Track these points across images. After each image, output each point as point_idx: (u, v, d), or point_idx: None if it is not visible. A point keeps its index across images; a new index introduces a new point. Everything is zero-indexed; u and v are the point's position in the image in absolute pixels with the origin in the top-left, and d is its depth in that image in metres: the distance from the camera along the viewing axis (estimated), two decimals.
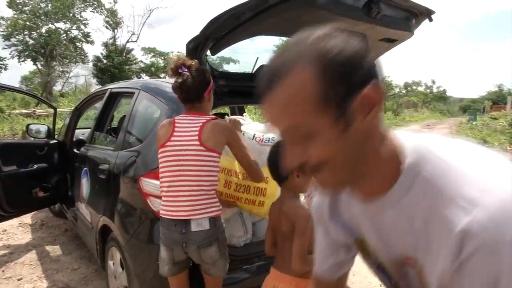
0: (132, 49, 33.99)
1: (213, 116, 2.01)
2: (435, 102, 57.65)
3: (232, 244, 2.34)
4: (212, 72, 2.30)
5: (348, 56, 0.62)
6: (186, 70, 1.91)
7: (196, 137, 1.89)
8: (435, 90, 58.94)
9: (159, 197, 2.02)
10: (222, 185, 2.31)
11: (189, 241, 1.87)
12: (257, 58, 2.68)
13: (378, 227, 0.76)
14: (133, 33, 33.17)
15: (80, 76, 34.04)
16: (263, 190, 2.28)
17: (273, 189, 2.24)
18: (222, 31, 1.89)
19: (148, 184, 2.20)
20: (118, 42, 33.24)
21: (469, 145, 0.69)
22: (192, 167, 1.88)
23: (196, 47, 1.98)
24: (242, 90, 2.57)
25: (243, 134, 2.38)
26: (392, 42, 2.28)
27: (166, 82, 2.84)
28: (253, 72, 2.55)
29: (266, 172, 2.01)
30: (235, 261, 2.22)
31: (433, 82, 59.64)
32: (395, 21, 2.00)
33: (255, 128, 2.53)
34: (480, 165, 0.64)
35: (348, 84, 0.62)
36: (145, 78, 31.42)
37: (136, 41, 33.48)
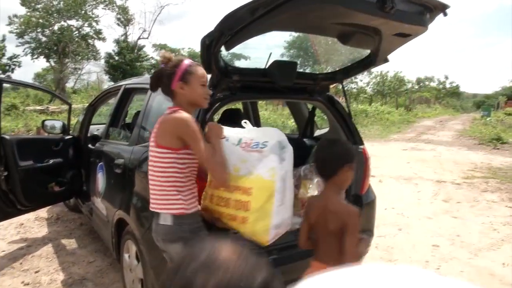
0: (144, 46, 34.17)
1: (172, 110, 1.92)
2: (448, 98, 56.93)
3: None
4: (226, 68, 2.32)
5: None
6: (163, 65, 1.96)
7: (154, 134, 1.93)
8: (448, 85, 58.20)
9: None
10: (208, 199, 2.10)
11: (155, 233, 1.95)
12: (270, 53, 2.70)
13: None
14: (144, 30, 33.35)
15: (92, 73, 34.35)
16: (245, 203, 1.92)
17: (259, 203, 1.89)
18: (236, 26, 1.90)
19: None
20: (130, 39, 33.44)
21: None
22: (150, 163, 1.94)
23: (211, 42, 2.00)
24: (255, 86, 2.60)
25: (227, 139, 2.09)
26: (406, 36, 2.27)
27: None
28: (266, 67, 2.56)
29: (251, 182, 1.91)
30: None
31: (446, 77, 58.87)
32: (409, 16, 1.99)
33: (244, 132, 2.16)
34: None
35: None
36: None
37: (147, 38, 33.67)
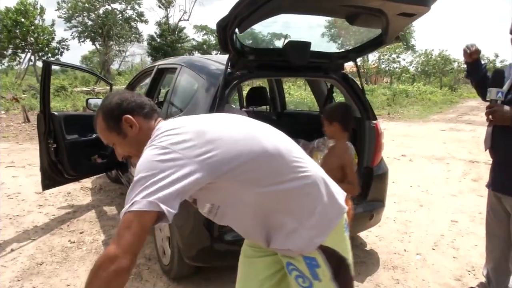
0: (184, 27, 34.84)
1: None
2: None
3: None
4: (242, 48, 2.54)
5: (111, 106, 1.38)
6: None
7: None
8: (498, 64, 55.11)
9: None
10: None
11: None
12: (286, 34, 2.89)
13: None
14: (185, 12, 33.92)
15: (136, 55, 35.48)
16: None
17: None
18: (247, 10, 2.11)
19: None
20: (171, 21, 34.16)
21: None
22: None
23: (226, 25, 2.23)
24: (272, 64, 2.81)
25: None
26: (411, 16, 2.39)
27: (206, 59, 3.13)
28: (282, 47, 2.75)
29: None
30: None
31: (496, 55, 55.60)
32: None
33: None
34: None
35: (113, 118, 1.36)
36: (196, 54, 32.11)
37: (187, 20, 34.42)
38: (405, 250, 3.41)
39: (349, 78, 3.08)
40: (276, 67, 2.83)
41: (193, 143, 1.17)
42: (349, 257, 1.44)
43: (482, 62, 2.51)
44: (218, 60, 2.89)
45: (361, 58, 32.92)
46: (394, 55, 33.56)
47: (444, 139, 9.54)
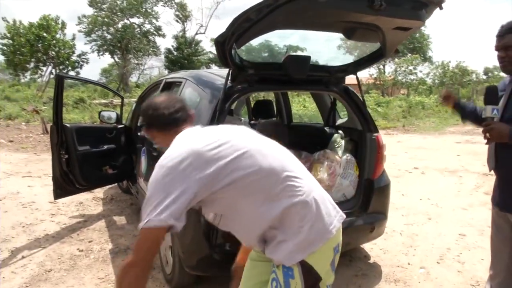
0: (201, 41, 35.45)
1: None
2: None
3: None
4: (242, 62, 2.62)
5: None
6: None
7: None
8: None
9: None
10: None
11: None
12: (287, 49, 2.96)
13: None
14: (202, 25, 34.49)
15: (155, 68, 36.07)
16: None
17: None
18: (244, 27, 2.19)
19: None
20: (188, 35, 34.71)
21: None
22: None
23: (224, 41, 2.31)
24: (272, 78, 2.87)
25: None
26: (406, 30, 2.43)
27: (209, 73, 3.23)
28: (282, 61, 2.82)
29: None
30: None
31: None
32: (400, 12, 2.16)
33: None
34: None
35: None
36: (214, 68, 32.53)
37: (204, 33, 34.84)
38: (409, 264, 3.39)
39: (350, 91, 3.12)
40: (276, 80, 2.90)
41: (189, 162, 1.34)
42: (328, 280, 1.52)
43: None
44: (221, 74, 2.97)
45: (378, 70, 32.91)
46: (411, 67, 33.31)
47: (459, 151, 9.41)
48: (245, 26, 2.17)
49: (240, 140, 1.45)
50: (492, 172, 2.31)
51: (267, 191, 1.40)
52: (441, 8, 2.27)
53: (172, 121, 1.58)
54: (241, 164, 1.37)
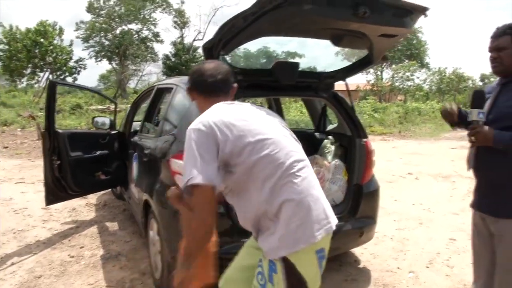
0: (199, 47, 35.38)
1: None
2: None
3: None
4: (232, 69, 2.64)
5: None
6: None
7: None
8: None
9: None
10: None
11: None
12: (276, 55, 2.98)
13: None
14: (200, 32, 34.57)
15: (153, 74, 36.14)
16: None
17: None
18: (230, 33, 2.22)
19: (176, 164, 2.59)
20: (186, 41, 34.81)
21: None
22: None
23: (211, 47, 2.34)
24: (262, 84, 2.90)
25: None
26: (392, 37, 2.46)
27: None
28: (271, 67, 2.85)
29: None
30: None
31: None
32: (385, 19, 2.19)
33: None
34: None
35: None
36: None
37: (202, 39, 34.85)
38: (398, 268, 3.40)
39: (340, 97, 3.15)
40: (266, 86, 2.92)
41: (217, 130, 1.46)
42: (313, 286, 1.54)
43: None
44: None
45: (375, 76, 33.04)
46: (408, 73, 33.48)
47: (453, 157, 9.45)
48: (232, 32, 2.20)
49: (266, 126, 1.56)
50: (471, 171, 2.29)
51: (275, 181, 1.47)
52: (425, 15, 2.31)
53: (213, 89, 1.69)
54: (261, 148, 1.48)
